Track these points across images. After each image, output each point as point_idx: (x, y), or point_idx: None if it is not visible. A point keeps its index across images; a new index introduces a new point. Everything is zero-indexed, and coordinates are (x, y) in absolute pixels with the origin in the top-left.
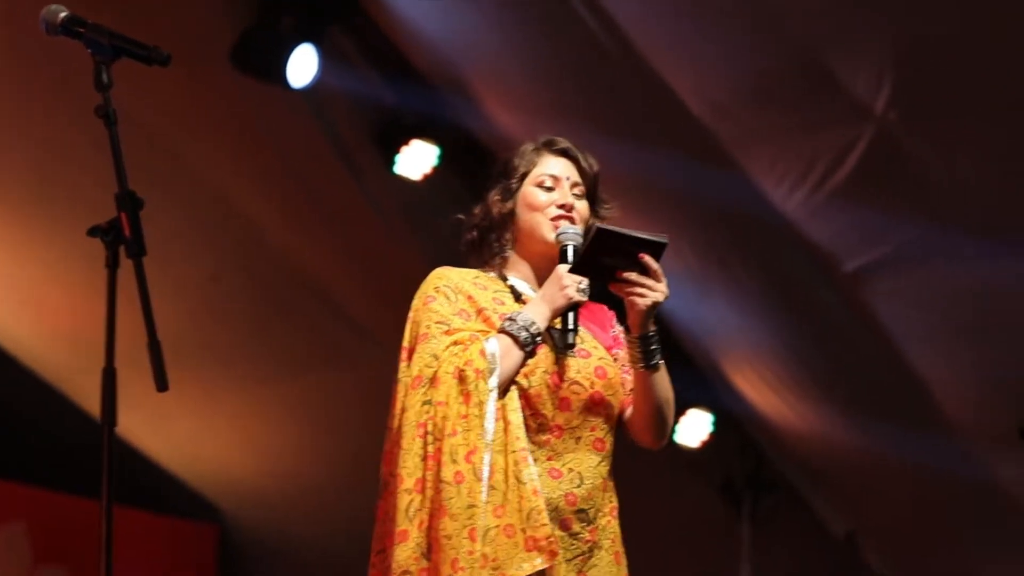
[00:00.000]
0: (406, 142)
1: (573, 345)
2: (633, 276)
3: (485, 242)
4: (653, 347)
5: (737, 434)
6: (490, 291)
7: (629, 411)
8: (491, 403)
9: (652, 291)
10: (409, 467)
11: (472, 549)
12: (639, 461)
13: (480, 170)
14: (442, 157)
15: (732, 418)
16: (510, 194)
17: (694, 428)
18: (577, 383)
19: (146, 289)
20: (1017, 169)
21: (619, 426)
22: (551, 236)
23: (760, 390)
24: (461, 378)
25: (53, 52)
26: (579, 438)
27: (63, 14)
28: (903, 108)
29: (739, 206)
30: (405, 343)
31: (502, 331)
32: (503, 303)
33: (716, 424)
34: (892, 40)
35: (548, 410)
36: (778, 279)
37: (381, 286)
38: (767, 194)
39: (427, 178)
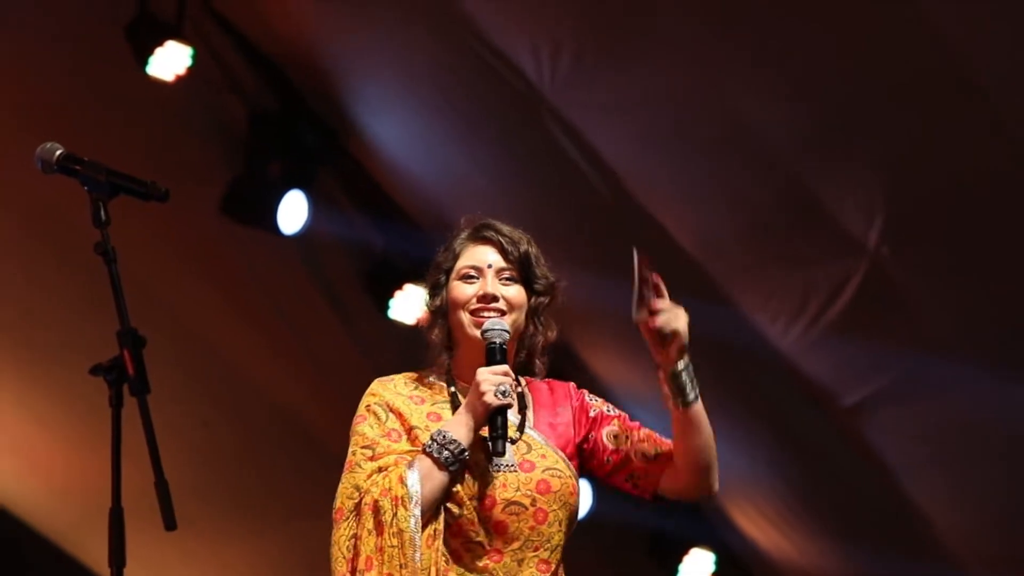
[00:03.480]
0: (399, 286)
1: (502, 454)
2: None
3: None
4: (684, 382)
5: (740, 572)
6: (427, 404)
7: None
8: (414, 528)
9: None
10: None
11: None
12: None
13: None
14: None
15: (734, 556)
16: (438, 291)
17: (696, 567)
18: (515, 503)
19: (151, 427)
20: (1005, 299)
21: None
22: (475, 333)
23: (761, 527)
24: (376, 509)
25: (30, 191)
26: (521, 560)
27: (59, 152)
28: (895, 242)
29: (735, 342)
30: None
31: (424, 452)
32: (440, 417)
33: (718, 563)
34: (883, 174)
35: (483, 537)
36: (775, 414)
37: None
38: (762, 330)
39: (421, 322)
